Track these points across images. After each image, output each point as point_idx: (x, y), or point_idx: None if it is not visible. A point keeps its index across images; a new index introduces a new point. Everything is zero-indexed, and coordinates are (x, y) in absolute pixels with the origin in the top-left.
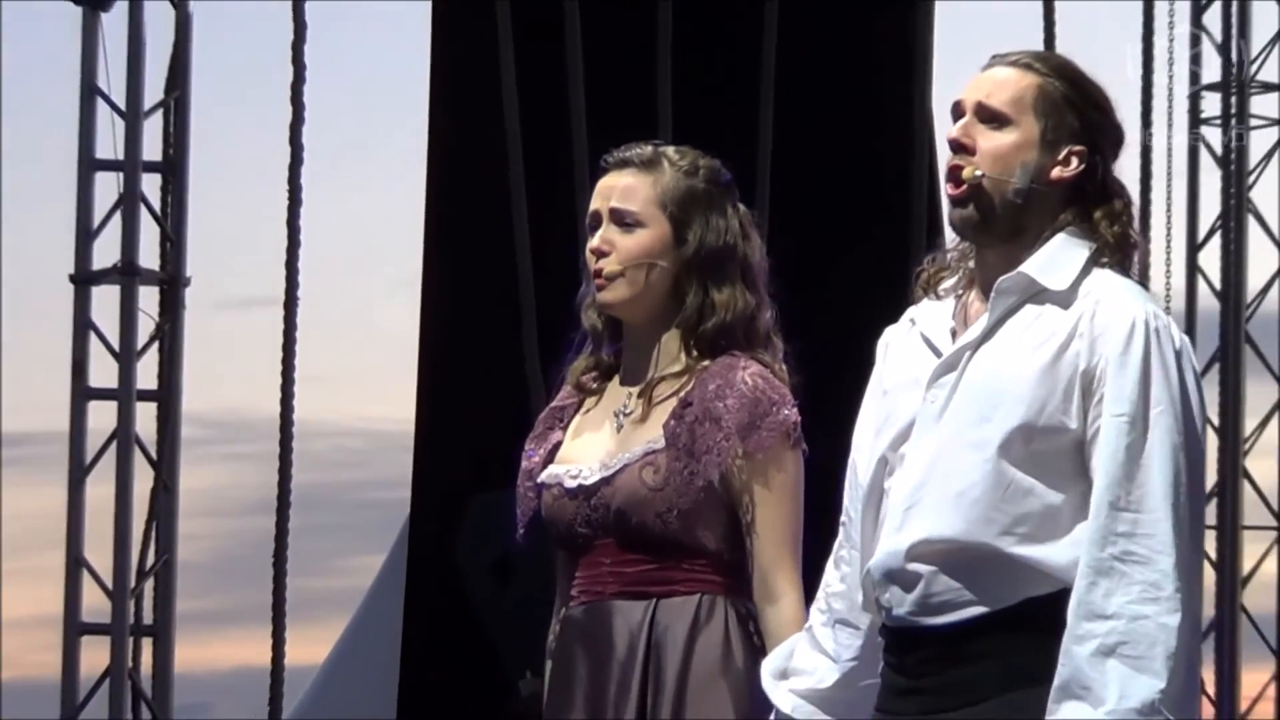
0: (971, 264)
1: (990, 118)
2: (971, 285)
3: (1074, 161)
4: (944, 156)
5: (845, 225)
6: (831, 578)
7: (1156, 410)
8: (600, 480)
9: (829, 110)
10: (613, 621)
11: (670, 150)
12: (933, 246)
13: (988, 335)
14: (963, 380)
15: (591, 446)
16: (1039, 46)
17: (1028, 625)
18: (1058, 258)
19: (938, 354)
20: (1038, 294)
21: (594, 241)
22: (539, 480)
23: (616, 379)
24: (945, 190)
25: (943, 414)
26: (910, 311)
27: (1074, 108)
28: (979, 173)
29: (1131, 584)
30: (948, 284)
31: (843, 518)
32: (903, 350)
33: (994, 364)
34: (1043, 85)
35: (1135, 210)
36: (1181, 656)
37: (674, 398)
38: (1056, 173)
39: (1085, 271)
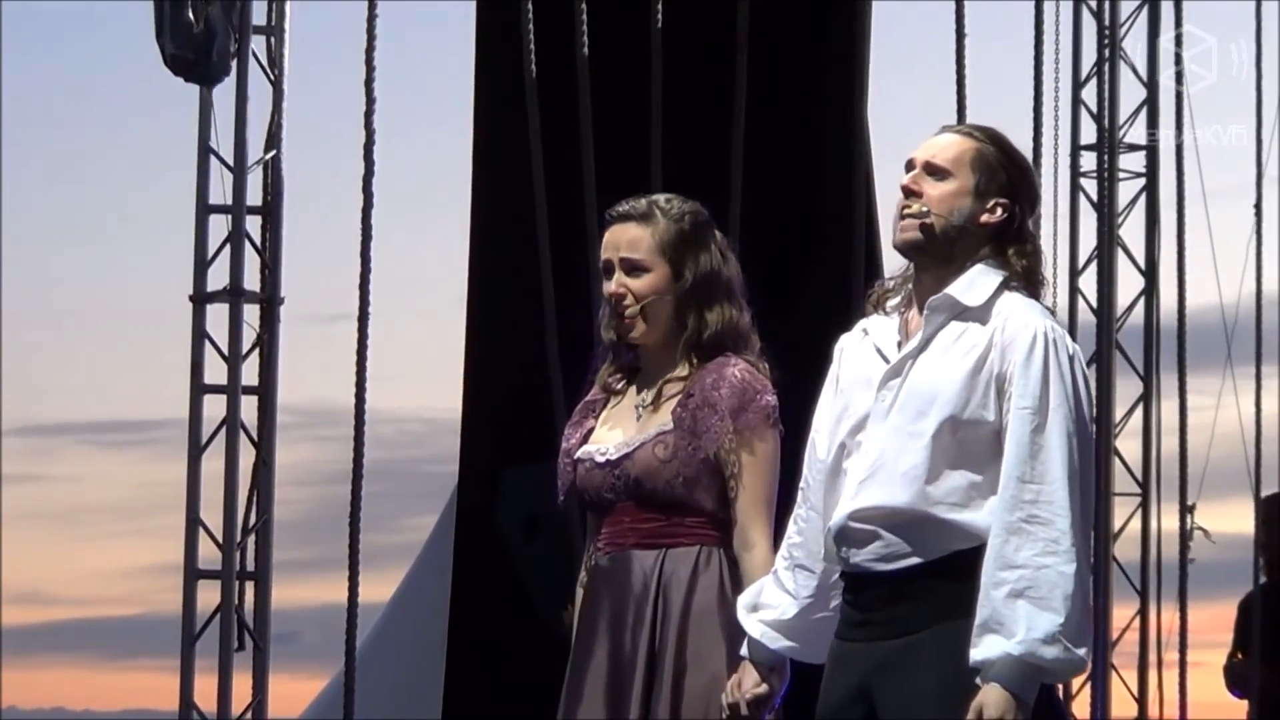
0: (910, 287)
1: (935, 171)
2: (911, 305)
3: (999, 210)
4: (882, 199)
5: (801, 250)
6: (792, 531)
7: (1054, 404)
8: (623, 455)
9: (788, 161)
10: (631, 567)
11: (660, 200)
12: (870, 267)
13: (924, 346)
14: (905, 384)
15: (616, 432)
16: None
17: (954, 572)
18: (975, 282)
19: (886, 360)
20: (961, 312)
21: (611, 286)
22: (575, 457)
23: (636, 383)
24: (895, 224)
25: (890, 410)
26: (863, 323)
27: (1002, 168)
28: (925, 209)
29: (1036, 540)
30: (892, 302)
31: (801, 484)
32: (857, 354)
33: (929, 370)
34: (979, 149)
35: (1043, 255)
36: (1076, 596)
37: (680, 393)
38: (984, 218)
39: (998, 293)
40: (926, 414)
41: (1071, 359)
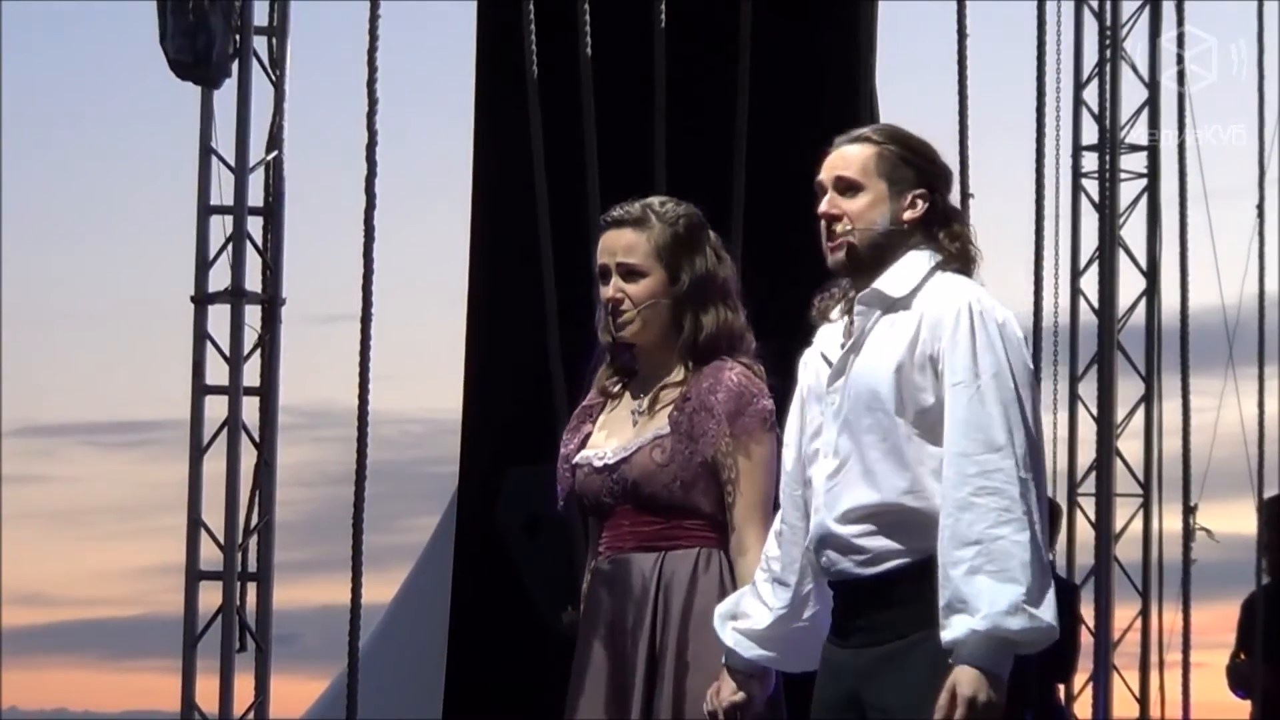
0: (853, 293)
1: (847, 187)
2: (853, 309)
3: (918, 204)
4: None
5: (804, 250)
6: (770, 544)
7: (987, 375)
8: (620, 460)
9: (791, 161)
10: (631, 570)
11: (654, 204)
12: None
13: (859, 343)
14: (848, 382)
15: (614, 436)
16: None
17: (938, 574)
18: (902, 271)
19: (830, 364)
20: (890, 304)
21: (608, 291)
22: (573, 462)
23: (632, 387)
24: (825, 247)
25: (840, 411)
26: (816, 335)
27: (907, 163)
28: (849, 228)
29: (988, 512)
30: (836, 311)
31: (781, 498)
32: (812, 366)
33: (868, 365)
34: (880, 152)
35: (972, 229)
36: (1033, 563)
37: (677, 397)
38: (907, 215)
39: (928, 277)
40: (874, 409)
41: (1001, 327)
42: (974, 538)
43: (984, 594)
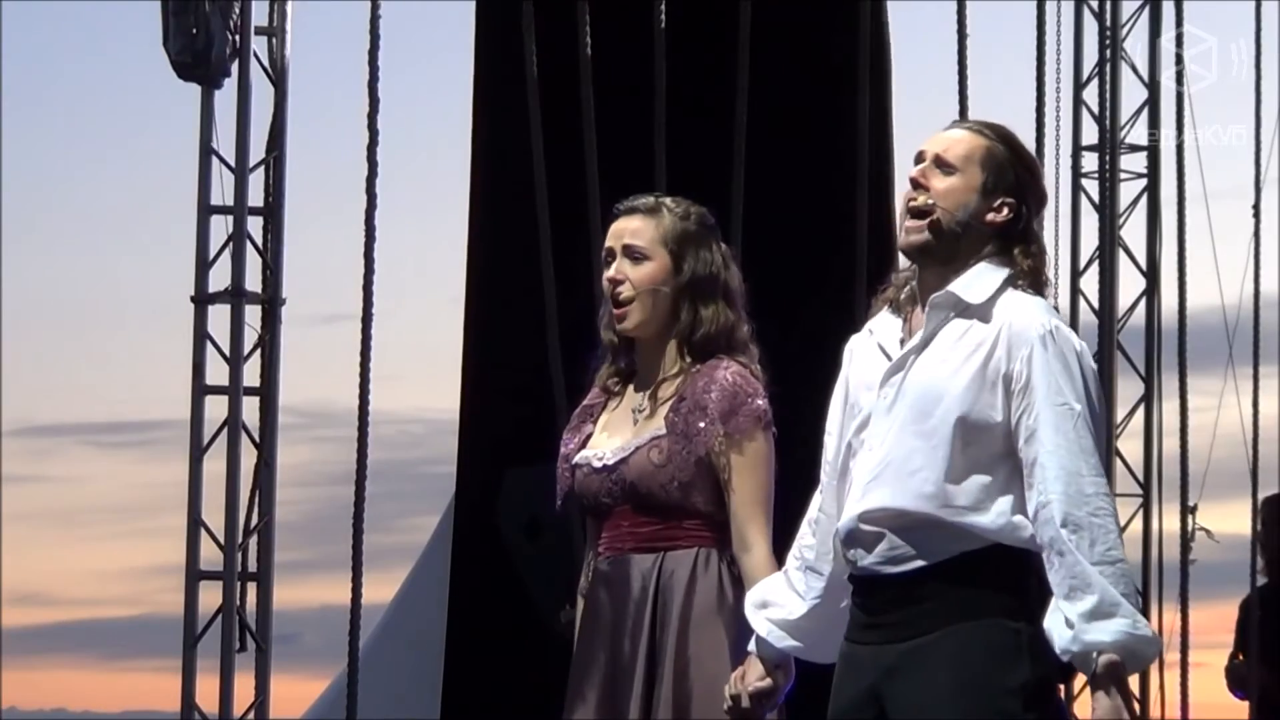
0: (915, 284)
1: (943, 165)
2: (915, 303)
3: (1005, 210)
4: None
5: (805, 258)
6: (805, 533)
7: (1084, 402)
8: (619, 460)
9: (792, 163)
10: (630, 570)
11: (668, 200)
12: (876, 272)
13: (926, 343)
14: (907, 381)
15: (615, 436)
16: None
17: (963, 574)
18: (979, 279)
19: (888, 358)
20: (964, 309)
21: (610, 272)
22: (573, 462)
23: (634, 385)
24: (904, 222)
25: (893, 407)
26: (870, 323)
27: (1010, 168)
28: (931, 202)
29: (1108, 533)
30: (897, 300)
31: (820, 485)
32: (864, 355)
33: (933, 369)
34: (989, 147)
35: (1047, 256)
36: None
37: (674, 395)
38: (990, 216)
39: (1001, 290)
40: (932, 414)
41: (1079, 354)
42: (1100, 556)
43: (1125, 605)
